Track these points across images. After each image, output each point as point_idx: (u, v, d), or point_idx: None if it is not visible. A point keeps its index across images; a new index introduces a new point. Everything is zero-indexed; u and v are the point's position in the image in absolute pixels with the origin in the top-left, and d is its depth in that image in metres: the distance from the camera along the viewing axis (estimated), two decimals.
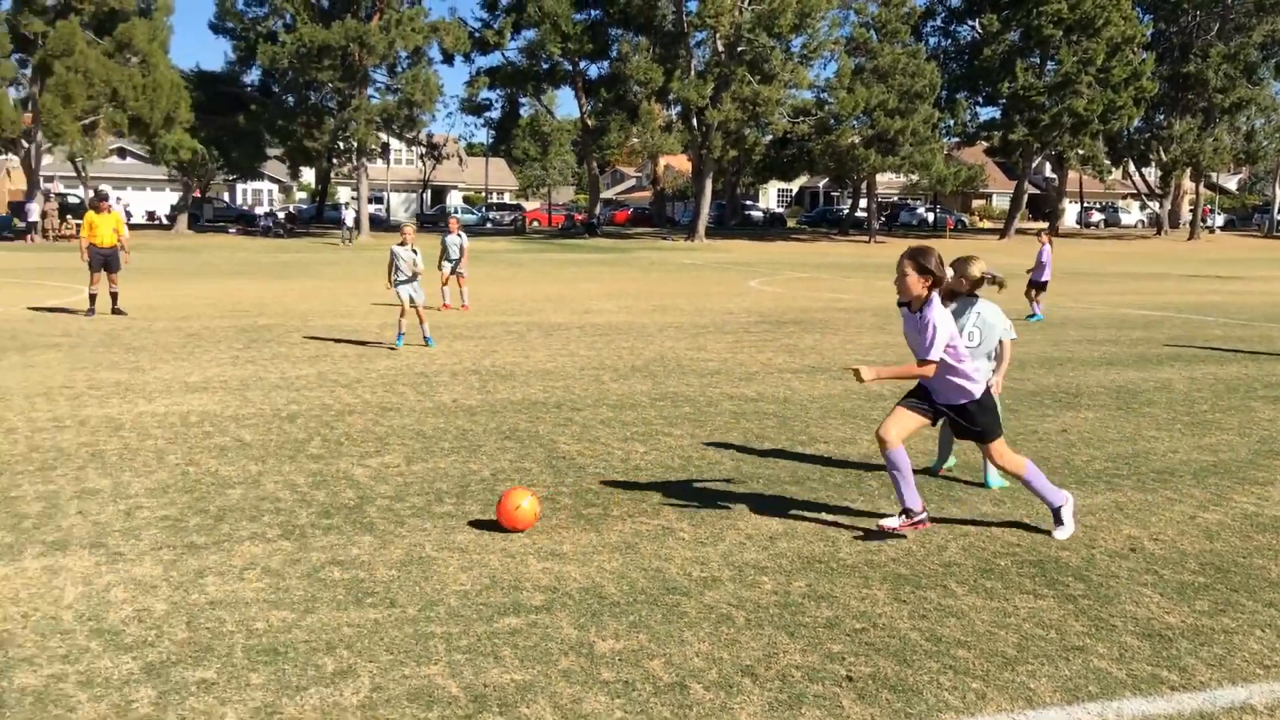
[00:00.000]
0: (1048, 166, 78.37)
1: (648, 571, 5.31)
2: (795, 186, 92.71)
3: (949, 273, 5.80)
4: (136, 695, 3.92)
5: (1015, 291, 19.68)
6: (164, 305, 18.78)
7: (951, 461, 7.39)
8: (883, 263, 39.37)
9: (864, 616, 4.76)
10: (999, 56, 58.96)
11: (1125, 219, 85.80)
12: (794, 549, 5.67)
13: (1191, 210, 71.15)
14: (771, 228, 74.41)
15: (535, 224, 74.49)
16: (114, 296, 17.08)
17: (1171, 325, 17.80)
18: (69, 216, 50.44)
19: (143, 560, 5.36)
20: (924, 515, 5.81)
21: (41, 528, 5.86)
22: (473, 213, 76.04)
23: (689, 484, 7.00)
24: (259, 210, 68.99)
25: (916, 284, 5.60)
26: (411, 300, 13.28)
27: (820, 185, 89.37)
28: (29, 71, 47.02)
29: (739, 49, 53.84)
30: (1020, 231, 65.54)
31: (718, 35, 54.35)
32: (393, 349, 13.23)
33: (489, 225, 73.24)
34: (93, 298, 17.02)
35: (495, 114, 66.67)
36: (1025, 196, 68.97)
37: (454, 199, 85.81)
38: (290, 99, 54.30)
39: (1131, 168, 71.11)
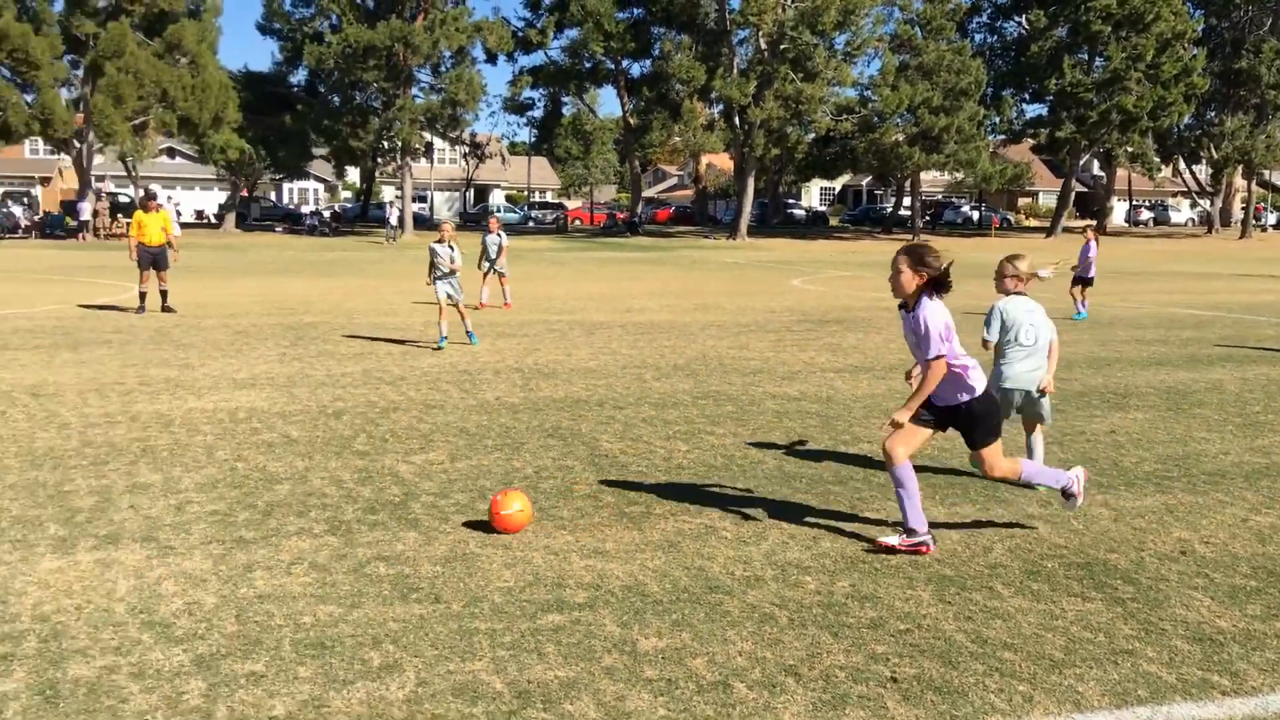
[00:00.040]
0: (1095, 164, 77.32)
1: (690, 570, 5.31)
2: (838, 185, 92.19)
3: (940, 263, 5.58)
4: (187, 687, 3.98)
5: (1060, 289, 19.47)
6: (212, 303, 19.04)
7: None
8: None
9: (908, 617, 4.73)
10: (1046, 53, 58.31)
11: (1175, 217, 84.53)
12: (837, 549, 5.65)
13: (1243, 208, 69.91)
14: (814, 226, 74.09)
15: (577, 223, 74.67)
16: (164, 294, 17.34)
17: (1222, 325, 17.51)
18: (120, 215, 51.32)
19: (193, 554, 5.45)
20: (926, 537, 5.56)
21: (94, 521, 5.97)
22: (515, 211, 76.37)
23: (731, 483, 6.99)
24: (304, 209, 69.68)
25: (910, 281, 5.42)
26: (450, 298, 13.35)
27: (863, 183, 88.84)
28: (81, 72, 47.87)
29: (782, 47, 53.63)
30: (1067, 230, 64.72)
31: (760, 33, 54.20)
32: (436, 349, 13.31)
33: (531, 224, 73.54)
34: (143, 295, 17.29)
35: (538, 113, 67.00)
36: (1073, 194, 68.16)
37: (496, 198, 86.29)
38: (336, 99, 54.83)
39: (1181, 165, 70.08)
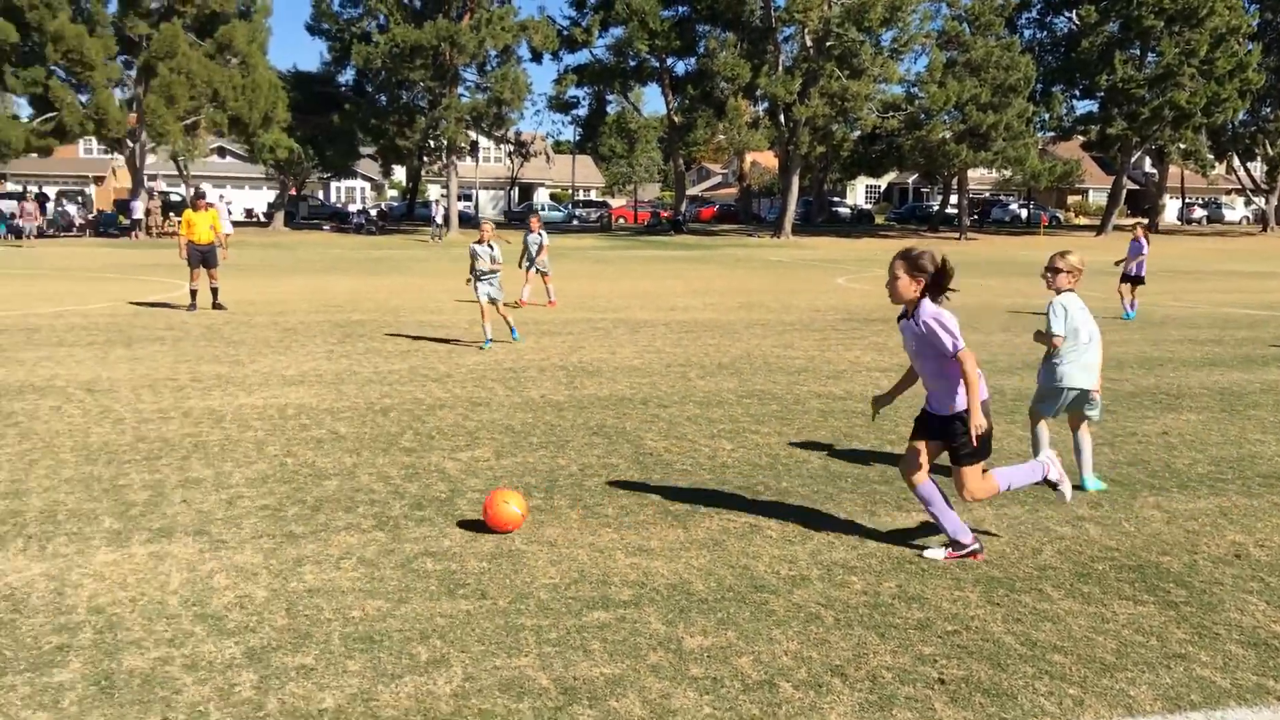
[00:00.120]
0: (1147, 161, 76.16)
1: (735, 569, 5.30)
2: (884, 183, 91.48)
3: (946, 268, 5.36)
4: (239, 679, 4.04)
5: (1108, 288, 19.20)
6: (262, 300, 19.28)
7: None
8: (974, 260, 38.71)
9: (956, 619, 4.69)
10: (1097, 48, 57.49)
11: (1229, 215, 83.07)
12: (883, 549, 5.62)
13: None
14: (859, 224, 73.56)
15: (621, 221, 74.75)
16: (214, 292, 17.60)
17: (1278, 325, 17.18)
18: (171, 214, 52.09)
19: (244, 548, 5.52)
20: (974, 545, 5.45)
21: (148, 515, 6.07)
22: (560, 210, 76.61)
23: (776, 482, 6.97)
24: (352, 208, 70.38)
25: (908, 287, 5.28)
26: (490, 298, 13.37)
27: (909, 181, 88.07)
28: (134, 73, 48.64)
29: (827, 44, 53.33)
30: (1118, 228, 63.81)
31: (806, 30, 53.92)
32: (481, 349, 13.38)
33: (575, 222, 73.72)
34: (193, 293, 17.55)
35: (582, 111, 67.17)
36: (1124, 192, 67.15)
37: (541, 196, 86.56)
38: (383, 98, 55.30)
39: (1236, 162, 68.79)
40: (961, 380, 5.29)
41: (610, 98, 68.10)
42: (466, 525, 5.94)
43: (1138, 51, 59.38)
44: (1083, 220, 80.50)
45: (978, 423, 5.22)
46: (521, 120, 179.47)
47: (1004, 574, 5.26)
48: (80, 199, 62.27)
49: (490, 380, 10.89)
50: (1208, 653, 4.36)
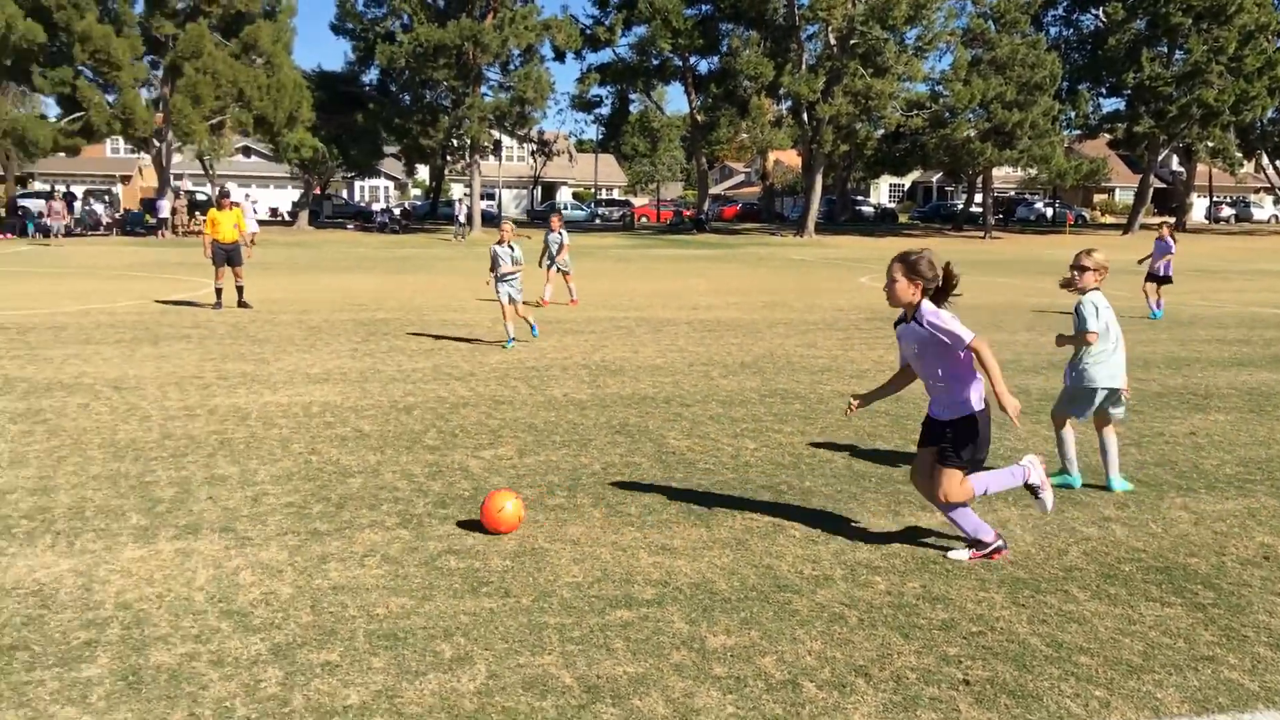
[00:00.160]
0: (1175, 159, 75.50)
1: (758, 568, 5.29)
2: (907, 181, 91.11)
3: (941, 271, 5.30)
4: (264, 675, 4.06)
5: (1133, 287, 19.04)
6: (286, 299, 19.39)
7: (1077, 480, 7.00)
8: (998, 259, 38.50)
9: (981, 620, 4.67)
10: (1124, 46, 57.05)
11: (1257, 214, 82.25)
12: (907, 549, 5.59)
13: None
14: (882, 223, 73.33)
15: (644, 220, 74.75)
16: (239, 290, 17.71)
17: None
18: (197, 213, 52.45)
19: (269, 545, 5.56)
20: (997, 543, 5.42)
21: (174, 512, 6.12)
22: (582, 209, 76.67)
23: (800, 481, 6.96)
24: (376, 207, 70.66)
25: (906, 290, 5.22)
26: (510, 299, 13.42)
27: (934, 180, 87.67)
28: (160, 73, 49.00)
29: (851, 42, 53.14)
30: (1145, 227, 63.30)
31: (829, 28, 53.74)
32: (504, 348, 13.41)
33: (598, 221, 73.77)
34: (219, 291, 17.67)
35: (605, 110, 67.11)
36: (1150, 191, 66.61)
37: (564, 195, 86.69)
38: (407, 98, 55.50)
39: (1265, 160, 68.13)
40: (971, 379, 5.25)
41: (633, 96, 68.05)
42: None
43: (1165, 49, 58.88)
44: (1109, 219, 79.88)
45: (1010, 404, 5.13)
46: (544, 119, 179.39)
47: (1029, 575, 5.23)
48: (107, 198, 62.81)
49: (513, 379, 10.91)
50: (1235, 655, 4.32)
